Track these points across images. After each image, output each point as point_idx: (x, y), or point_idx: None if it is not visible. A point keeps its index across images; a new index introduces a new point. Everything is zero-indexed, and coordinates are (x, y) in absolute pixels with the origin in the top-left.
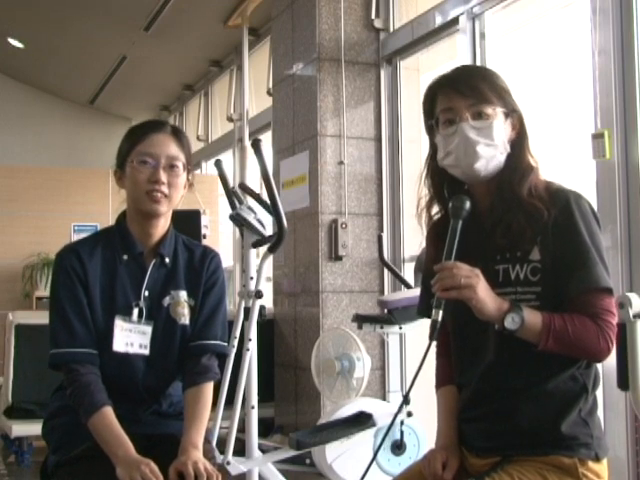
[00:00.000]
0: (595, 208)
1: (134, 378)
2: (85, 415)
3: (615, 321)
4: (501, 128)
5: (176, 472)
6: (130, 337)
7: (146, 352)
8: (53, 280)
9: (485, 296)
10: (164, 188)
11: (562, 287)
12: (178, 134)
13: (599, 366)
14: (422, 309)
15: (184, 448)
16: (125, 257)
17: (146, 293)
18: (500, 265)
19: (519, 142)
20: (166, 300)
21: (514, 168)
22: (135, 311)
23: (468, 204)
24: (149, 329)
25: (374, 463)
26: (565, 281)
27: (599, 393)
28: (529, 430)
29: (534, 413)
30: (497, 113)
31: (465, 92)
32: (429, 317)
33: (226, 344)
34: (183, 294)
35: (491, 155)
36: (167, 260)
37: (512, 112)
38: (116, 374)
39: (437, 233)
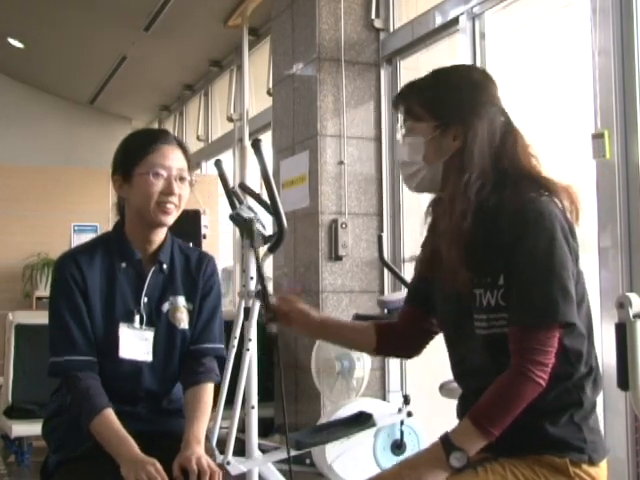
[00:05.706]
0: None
1: (137, 384)
2: (86, 419)
3: (546, 356)
4: (420, 145)
5: (180, 468)
6: (134, 344)
7: (150, 358)
8: (52, 288)
9: (419, 470)
10: (176, 200)
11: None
12: (182, 145)
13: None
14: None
15: (187, 442)
16: (123, 265)
17: (145, 300)
18: (477, 289)
19: (460, 156)
20: (165, 306)
21: (451, 191)
22: (137, 318)
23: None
24: (151, 335)
25: (374, 463)
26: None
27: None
28: (517, 432)
29: (522, 415)
30: (424, 128)
31: (398, 107)
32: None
33: (224, 346)
34: (181, 299)
35: (412, 172)
36: (165, 266)
37: (451, 123)
38: (119, 381)
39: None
